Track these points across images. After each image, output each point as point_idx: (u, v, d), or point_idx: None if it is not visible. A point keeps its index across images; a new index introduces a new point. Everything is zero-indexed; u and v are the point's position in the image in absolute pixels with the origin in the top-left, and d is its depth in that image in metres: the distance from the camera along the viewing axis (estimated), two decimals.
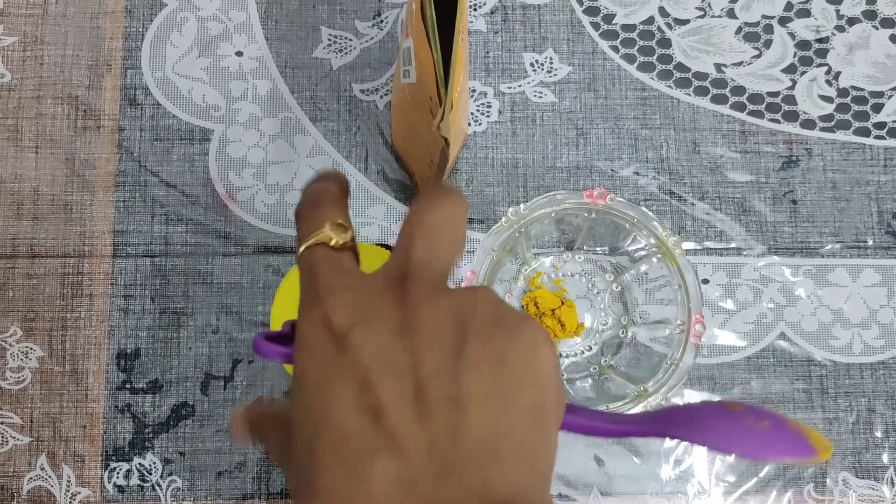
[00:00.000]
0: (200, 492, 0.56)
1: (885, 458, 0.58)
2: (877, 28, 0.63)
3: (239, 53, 0.61)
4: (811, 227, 0.60)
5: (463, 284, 0.52)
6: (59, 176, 0.59)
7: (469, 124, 0.60)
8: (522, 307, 0.58)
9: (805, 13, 0.63)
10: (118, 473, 0.56)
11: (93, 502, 0.56)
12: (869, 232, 0.60)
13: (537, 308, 0.57)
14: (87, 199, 0.59)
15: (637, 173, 0.61)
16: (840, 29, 0.63)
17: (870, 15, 0.63)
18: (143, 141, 0.60)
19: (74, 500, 0.56)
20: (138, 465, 0.56)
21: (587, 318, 0.58)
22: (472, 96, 0.61)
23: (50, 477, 0.56)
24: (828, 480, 0.58)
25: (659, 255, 0.54)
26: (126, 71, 0.61)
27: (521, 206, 0.53)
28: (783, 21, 0.63)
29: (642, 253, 0.55)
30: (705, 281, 0.60)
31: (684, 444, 0.57)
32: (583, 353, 0.58)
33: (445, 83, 0.39)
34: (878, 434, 0.58)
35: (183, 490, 0.56)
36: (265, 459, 0.56)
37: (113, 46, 0.61)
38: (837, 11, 0.63)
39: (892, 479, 0.58)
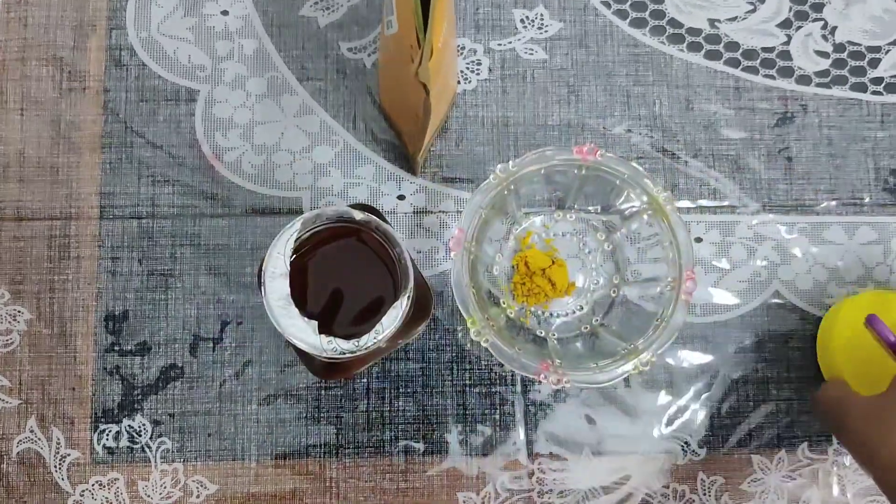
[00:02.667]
0: (190, 453, 0.56)
1: None
2: None
3: (225, 12, 0.60)
4: (806, 184, 0.60)
5: (451, 242, 0.51)
6: (45, 138, 0.59)
7: (458, 82, 0.60)
8: (513, 267, 0.58)
9: None
10: (108, 435, 0.56)
11: (82, 464, 0.56)
12: (865, 189, 0.59)
13: (528, 268, 0.57)
14: (74, 160, 0.58)
15: (629, 130, 0.60)
16: None
17: None
18: (128, 102, 0.59)
19: (64, 461, 0.56)
20: (128, 427, 0.56)
21: (578, 278, 0.58)
22: (461, 54, 0.60)
23: (39, 439, 0.56)
24: (822, 440, 0.57)
25: (650, 213, 0.53)
26: (111, 31, 0.60)
27: (510, 163, 0.52)
28: None
29: (634, 210, 0.55)
30: (698, 239, 0.59)
31: (676, 403, 0.57)
32: (574, 312, 0.58)
33: (424, 27, 0.38)
34: None
35: (173, 451, 0.56)
36: (255, 420, 0.56)
37: (97, 6, 0.60)
38: None
39: None
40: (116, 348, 0.57)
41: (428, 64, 0.39)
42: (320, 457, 0.56)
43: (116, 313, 0.57)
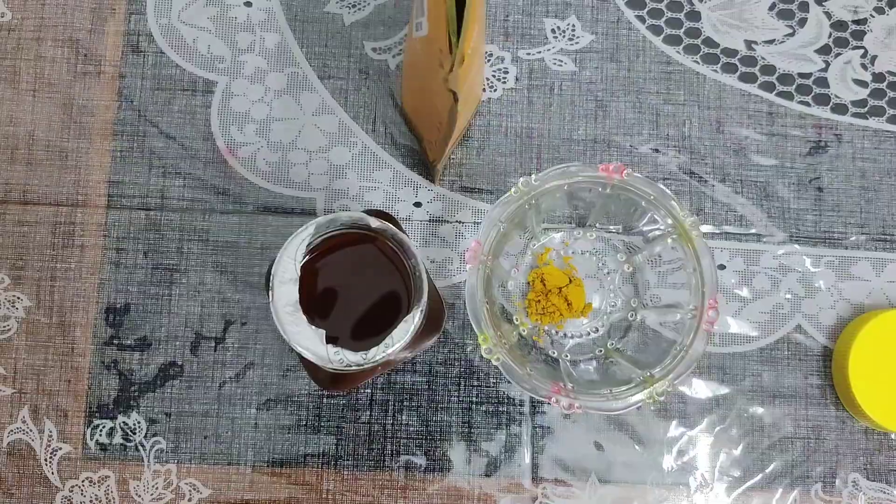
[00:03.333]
0: (184, 454, 0.54)
1: None
2: None
3: (248, 3, 0.58)
4: (836, 216, 0.58)
5: (466, 255, 0.49)
6: (56, 121, 0.57)
7: (483, 90, 0.58)
8: (528, 283, 0.56)
9: None
10: (101, 431, 0.54)
11: (73, 458, 0.54)
12: None
13: (544, 285, 0.55)
14: (84, 146, 0.57)
15: (657, 150, 0.58)
16: (879, 11, 0.60)
17: None
18: (143, 90, 0.57)
19: (55, 455, 0.54)
20: (122, 424, 0.54)
21: (595, 299, 0.56)
22: (488, 60, 0.58)
23: (31, 430, 0.54)
24: (837, 481, 0.55)
25: (675, 236, 0.51)
26: (130, 16, 0.58)
27: (533, 176, 0.50)
28: None
29: (657, 233, 0.53)
30: (721, 266, 0.57)
31: (689, 434, 0.55)
32: (589, 334, 0.56)
33: (457, 32, 0.36)
34: (893, 436, 0.55)
35: (167, 452, 0.54)
36: (253, 425, 0.54)
37: None
38: None
39: None
40: (116, 342, 0.55)
41: (459, 70, 0.37)
42: (318, 467, 0.54)
43: (118, 306, 0.55)
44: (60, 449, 0.54)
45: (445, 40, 0.37)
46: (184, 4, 0.58)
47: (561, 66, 0.59)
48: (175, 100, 0.57)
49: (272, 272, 0.42)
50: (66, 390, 0.55)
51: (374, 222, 0.43)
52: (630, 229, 0.56)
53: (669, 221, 0.51)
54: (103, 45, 0.58)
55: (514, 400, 0.55)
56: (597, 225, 0.56)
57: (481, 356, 0.55)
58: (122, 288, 0.56)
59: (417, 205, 0.57)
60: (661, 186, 0.50)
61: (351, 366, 0.41)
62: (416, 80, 0.50)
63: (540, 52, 0.59)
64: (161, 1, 0.58)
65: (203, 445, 0.54)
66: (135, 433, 0.54)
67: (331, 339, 0.42)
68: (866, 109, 0.59)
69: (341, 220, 0.43)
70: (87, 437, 0.54)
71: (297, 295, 0.42)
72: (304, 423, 0.55)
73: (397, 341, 0.42)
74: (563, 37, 0.59)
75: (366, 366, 0.41)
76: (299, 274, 0.42)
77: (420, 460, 0.55)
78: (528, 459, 0.55)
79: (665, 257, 0.55)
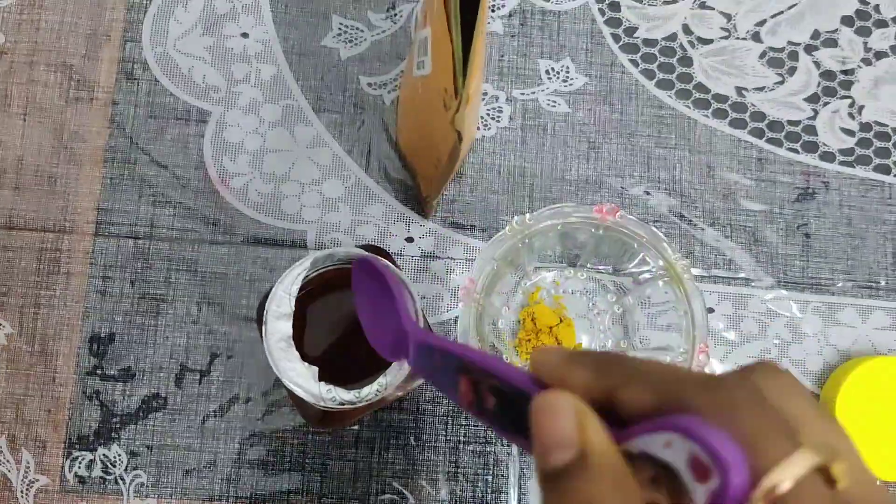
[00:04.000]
0: (165, 489, 0.53)
1: None
2: None
3: (245, 35, 0.58)
4: (823, 262, 0.58)
5: (460, 293, 0.49)
6: (46, 146, 0.56)
7: (478, 128, 0.58)
8: (519, 322, 0.56)
9: (832, 43, 0.61)
10: (80, 463, 0.53)
11: (50, 491, 0.53)
12: (882, 272, 0.58)
13: (534, 324, 0.55)
14: (73, 172, 0.56)
15: (648, 193, 0.58)
16: (867, 62, 0.61)
17: None
18: (136, 117, 0.57)
19: (31, 487, 0.53)
20: (102, 456, 0.53)
21: (584, 339, 0.56)
22: (483, 99, 0.59)
23: (8, 461, 0.53)
24: None
25: (666, 279, 0.52)
26: (125, 43, 0.58)
27: (527, 215, 0.50)
28: (809, 49, 0.61)
29: (648, 276, 0.53)
30: (710, 310, 0.57)
31: None
32: None
33: (464, 73, 0.36)
34: (879, 483, 0.55)
35: (147, 486, 0.53)
36: (236, 460, 0.53)
37: (114, 17, 0.58)
38: (865, 44, 0.61)
39: None
40: (98, 372, 0.54)
41: (465, 111, 0.37)
42: None
43: (102, 335, 0.54)
44: (38, 481, 0.53)
45: (451, 80, 0.37)
46: (180, 33, 0.58)
47: (555, 106, 0.59)
48: (168, 128, 0.57)
49: (266, 306, 0.41)
50: (45, 420, 0.53)
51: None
52: (620, 270, 0.56)
53: (661, 263, 0.51)
54: (97, 72, 0.57)
55: (502, 440, 0.55)
56: (588, 265, 0.57)
57: None
58: (107, 317, 0.55)
59: (409, 240, 0.57)
60: (653, 229, 0.51)
61: (343, 404, 0.41)
62: (414, 118, 0.51)
63: (534, 93, 0.59)
64: (157, 29, 0.58)
65: (184, 480, 0.53)
66: (115, 466, 0.53)
67: (323, 376, 0.41)
68: (853, 158, 0.60)
69: (338, 256, 0.42)
70: (66, 469, 0.53)
71: (291, 331, 0.41)
72: (289, 459, 0.54)
73: (391, 381, 0.41)
74: (558, 78, 0.59)
75: (359, 404, 0.41)
76: (293, 309, 0.41)
77: (405, 500, 0.54)
78: (514, 501, 0.54)
79: (655, 299, 0.55)
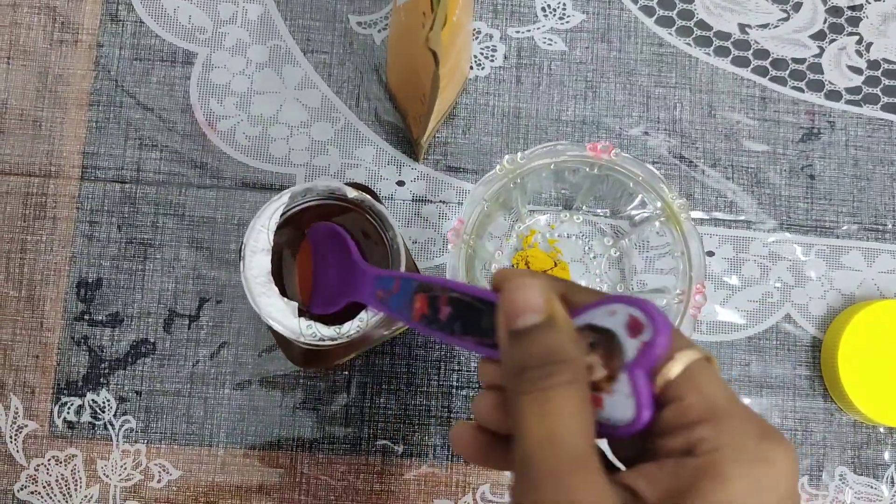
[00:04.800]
0: (154, 434, 0.53)
1: (886, 455, 0.54)
2: None
3: None
4: (828, 204, 0.56)
5: (449, 234, 0.48)
6: (30, 90, 0.55)
7: (470, 67, 0.56)
8: (513, 265, 0.55)
9: None
10: (69, 408, 0.53)
11: (39, 436, 0.52)
12: (889, 215, 0.56)
13: (528, 268, 0.54)
14: (58, 116, 0.55)
15: (647, 133, 0.57)
16: None
17: None
18: (121, 59, 0.56)
19: (20, 432, 0.52)
20: (91, 402, 0.53)
21: (581, 283, 0.55)
22: (475, 38, 0.57)
23: None
24: (823, 474, 0.54)
25: (663, 219, 0.50)
26: None
27: (519, 154, 0.49)
28: None
29: (645, 215, 0.51)
30: (710, 253, 0.56)
31: None
32: None
33: None
34: (882, 429, 0.54)
35: (136, 431, 0.53)
36: (226, 406, 0.53)
37: None
38: None
39: (892, 477, 0.54)
40: (86, 317, 0.53)
41: (440, 31, 0.36)
42: (292, 450, 0.53)
43: (89, 280, 0.54)
44: (26, 426, 0.53)
45: (428, 2, 0.35)
46: None
47: (551, 45, 0.57)
48: (153, 70, 0.56)
49: (244, 241, 0.40)
50: (33, 366, 0.53)
51: (351, 192, 0.41)
52: (617, 213, 0.54)
53: (658, 204, 0.50)
54: (81, 13, 0.56)
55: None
56: (584, 208, 0.55)
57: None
58: (94, 262, 0.54)
59: (401, 184, 0.55)
60: (650, 167, 0.49)
61: (324, 340, 0.40)
62: (400, 52, 0.49)
63: (529, 31, 0.57)
64: None
65: (174, 425, 0.53)
66: (104, 412, 0.53)
67: (304, 314, 0.40)
68: (860, 97, 0.57)
69: (317, 190, 0.41)
70: (55, 414, 0.53)
71: (269, 266, 0.40)
72: (279, 404, 0.53)
73: (371, 315, 0.40)
74: (554, 15, 0.58)
75: (339, 340, 0.40)
76: (272, 244, 0.40)
77: (397, 445, 0.53)
78: None
79: (652, 242, 0.54)
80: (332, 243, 0.42)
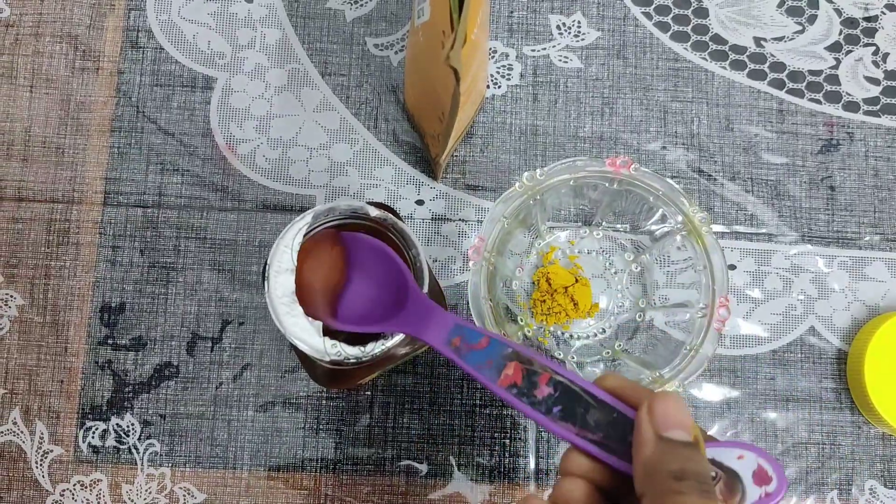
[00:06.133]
0: (179, 458, 0.53)
1: None
2: None
3: (249, 0, 0.58)
4: (849, 216, 0.56)
5: (469, 251, 0.48)
6: (53, 117, 0.56)
7: (487, 86, 0.57)
8: (534, 283, 0.55)
9: None
10: (94, 433, 0.53)
11: (65, 461, 0.53)
12: None
13: (549, 285, 0.54)
14: (81, 143, 0.56)
15: (665, 148, 0.57)
16: (891, 7, 0.58)
17: None
18: (142, 86, 0.57)
19: (46, 458, 0.53)
20: (115, 426, 0.53)
21: (602, 300, 0.55)
22: (492, 57, 0.57)
23: (22, 432, 0.53)
24: (853, 488, 0.53)
25: (684, 233, 0.50)
26: (130, 12, 0.57)
27: (538, 171, 0.49)
28: None
29: (665, 229, 0.51)
30: (732, 267, 0.55)
31: None
32: (595, 335, 0.54)
33: (459, 9, 0.35)
34: None
35: (161, 455, 0.53)
36: (250, 428, 0.53)
37: None
38: None
39: None
40: (110, 342, 0.54)
41: (461, 49, 0.36)
42: (316, 471, 0.53)
43: (113, 305, 0.54)
44: (52, 451, 0.53)
45: (447, 19, 0.36)
46: (184, 1, 0.57)
47: (567, 62, 0.58)
48: (174, 96, 0.56)
49: (268, 262, 0.40)
50: (58, 391, 0.53)
51: (374, 211, 0.41)
52: (637, 228, 0.54)
53: (679, 218, 0.50)
54: (102, 41, 0.57)
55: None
56: (603, 223, 0.55)
57: None
58: (117, 286, 0.54)
59: (420, 202, 0.56)
60: (670, 181, 0.49)
61: (349, 359, 0.40)
62: (418, 72, 0.49)
63: (545, 49, 0.58)
64: None
65: (198, 448, 0.53)
66: (128, 435, 0.53)
67: (329, 333, 0.40)
68: (878, 107, 0.57)
69: (340, 209, 0.41)
70: (80, 439, 0.53)
71: (294, 286, 0.40)
72: (303, 425, 0.53)
73: (396, 334, 0.40)
74: (569, 33, 0.58)
75: (364, 359, 0.40)
76: (296, 264, 0.41)
77: (421, 465, 0.53)
78: (532, 465, 0.53)
79: (673, 257, 0.54)
80: (378, 261, 0.41)
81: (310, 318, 0.40)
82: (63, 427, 0.53)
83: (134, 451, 0.53)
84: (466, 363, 0.35)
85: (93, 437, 0.53)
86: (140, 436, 0.53)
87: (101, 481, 0.52)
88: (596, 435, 0.32)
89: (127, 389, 0.53)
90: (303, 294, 0.40)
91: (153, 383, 0.53)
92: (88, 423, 0.53)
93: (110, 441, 0.53)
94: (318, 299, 0.41)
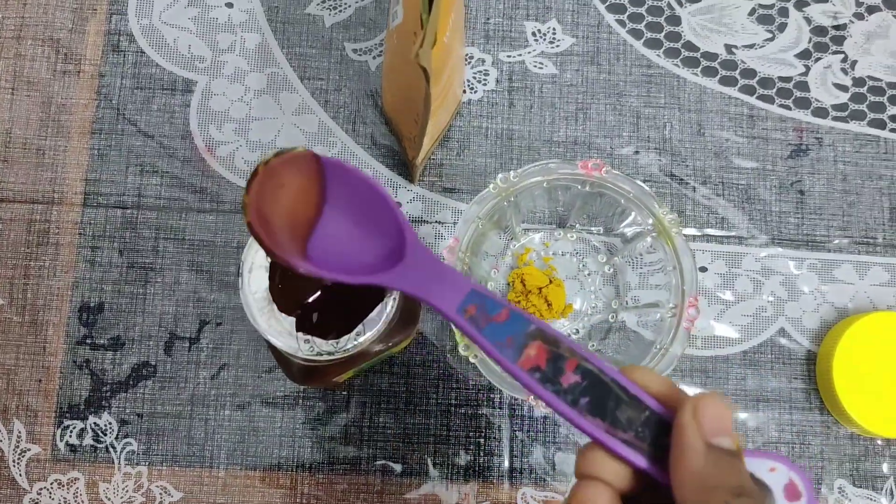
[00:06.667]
0: (156, 457, 0.53)
1: (885, 467, 0.54)
2: None
3: (229, 5, 0.58)
4: (818, 219, 0.57)
5: (444, 252, 0.49)
6: (34, 119, 0.57)
7: (464, 91, 0.58)
8: (509, 284, 0.55)
9: None
10: (71, 432, 0.53)
11: (42, 460, 0.53)
12: (879, 228, 0.57)
13: (524, 285, 0.54)
14: (61, 144, 0.56)
15: (637, 152, 0.58)
16: (859, 16, 0.60)
17: (890, 3, 0.60)
18: (123, 89, 0.57)
19: (23, 456, 0.53)
20: (93, 425, 0.53)
21: (576, 301, 0.55)
22: (468, 63, 0.58)
23: None
24: (823, 487, 0.54)
25: (654, 235, 0.51)
26: (111, 16, 0.58)
27: (511, 173, 0.50)
28: (799, 5, 0.60)
29: (637, 231, 0.52)
30: (703, 269, 0.56)
31: None
32: (569, 336, 0.55)
33: (429, 9, 0.36)
34: (879, 441, 0.54)
35: (138, 454, 0.53)
36: (227, 427, 0.53)
37: None
38: None
39: (891, 489, 0.54)
40: (88, 341, 0.54)
41: (430, 49, 0.37)
42: (292, 470, 0.53)
43: (91, 305, 0.55)
44: (29, 450, 0.53)
45: (418, 21, 0.37)
46: (165, 5, 0.58)
47: (542, 68, 0.59)
48: (154, 99, 0.57)
49: (243, 258, 0.41)
50: (36, 390, 0.54)
51: None
52: (610, 230, 0.55)
53: (650, 220, 0.51)
54: (84, 45, 0.58)
55: (493, 402, 0.54)
56: (577, 226, 0.56)
57: (459, 358, 0.54)
58: (96, 286, 0.55)
59: (397, 205, 0.56)
60: (641, 184, 0.50)
61: (322, 354, 0.40)
62: (394, 76, 0.50)
63: (520, 55, 0.59)
64: (142, 1, 0.58)
65: (175, 447, 0.53)
66: (106, 434, 0.53)
67: (303, 331, 0.41)
68: (847, 113, 0.59)
69: None
70: (57, 437, 0.53)
71: (268, 282, 0.41)
72: (279, 425, 0.54)
73: (369, 329, 0.41)
74: (544, 40, 0.59)
75: (337, 354, 0.41)
76: (270, 261, 0.41)
77: (397, 465, 0.53)
78: (507, 463, 0.54)
79: (645, 258, 0.54)
80: (365, 199, 0.33)
81: (283, 315, 0.41)
82: (40, 426, 0.53)
83: (111, 449, 0.53)
84: (484, 337, 0.30)
85: (70, 436, 0.53)
86: (117, 435, 0.53)
87: (79, 480, 0.53)
88: (627, 434, 0.28)
89: (105, 389, 0.54)
90: (268, 225, 0.31)
91: (131, 383, 0.54)
92: (66, 422, 0.53)
93: (88, 440, 0.53)
94: (283, 231, 0.32)
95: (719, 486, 0.27)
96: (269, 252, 0.31)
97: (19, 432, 0.53)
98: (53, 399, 0.54)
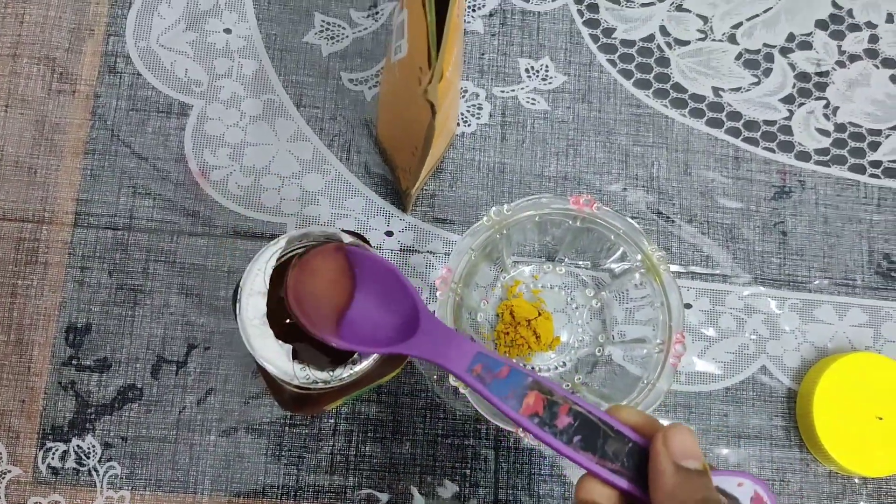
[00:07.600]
0: (139, 481, 0.53)
1: None
2: (878, 67, 0.62)
3: (227, 31, 0.59)
4: (800, 260, 0.59)
5: (437, 282, 0.49)
6: (27, 137, 0.57)
7: (458, 124, 0.59)
8: (498, 315, 0.56)
9: (807, 45, 0.62)
10: (54, 454, 0.53)
11: (23, 482, 0.52)
12: (858, 270, 0.59)
13: (513, 317, 0.55)
14: (54, 163, 0.56)
15: (625, 189, 0.59)
16: (841, 64, 0.62)
17: (871, 53, 0.62)
18: (118, 110, 0.57)
19: (4, 478, 0.52)
20: (76, 447, 0.53)
21: (564, 334, 0.56)
22: (463, 96, 0.59)
23: None
24: None
25: (643, 271, 0.52)
26: (109, 38, 0.58)
27: (505, 206, 0.51)
28: (784, 51, 0.62)
29: (625, 267, 0.53)
30: (688, 305, 0.57)
31: None
32: (556, 368, 0.56)
33: (438, 46, 0.37)
34: (857, 480, 0.55)
35: (121, 478, 0.53)
36: (212, 453, 0.53)
37: (98, 11, 0.59)
38: (839, 47, 0.62)
39: None
40: (74, 362, 0.54)
41: (438, 84, 0.38)
42: (277, 498, 0.53)
43: (79, 325, 0.54)
44: (10, 472, 0.52)
45: (425, 56, 0.37)
46: (164, 28, 0.59)
47: (534, 104, 0.60)
48: (149, 121, 0.57)
49: (241, 284, 0.41)
50: (19, 410, 0.53)
51: (347, 238, 0.42)
52: (598, 265, 0.56)
53: (638, 256, 0.52)
54: (80, 65, 0.58)
55: (479, 433, 0.54)
56: (566, 260, 0.57)
57: (447, 387, 0.55)
58: (84, 307, 0.54)
59: (389, 234, 0.57)
60: (631, 221, 0.51)
61: (317, 383, 0.41)
62: (392, 107, 0.51)
63: (514, 91, 0.60)
64: (141, 24, 0.59)
65: (159, 472, 0.53)
66: (89, 457, 0.53)
67: (297, 358, 0.41)
68: (829, 157, 0.60)
69: (313, 235, 0.43)
70: (39, 459, 0.52)
71: (265, 309, 0.41)
72: (265, 451, 0.53)
73: (364, 360, 0.41)
74: (537, 76, 0.60)
75: (332, 383, 0.41)
76: (268, 287, 0.41)
77: (383, 494, 0.53)
78: (493, 495, 0.54)
79: (632, 294, 0.55)
80: (383, 280, 0.41)
81: (280, 342, 0.41)
82: (22, 447, 0.53)
83: (94, 473, 0.52)
84: (491, 392, 0.36)
85: (52, 458, 0.52)
86: (101, 458, 0.53)
87: (60, 503, 0.52)
88: (614, 464, 0.34)
89: (89, 411, 0.53)
90: (305, 307, 0.40)
91: (116, 405, 0.53)
92: (48, 444, 0.53)
93: (70, 462, 0.53)
94: (323, 314, 0.40)
95: (688, 500, 0.32)
96: (307, 331, 0.39)
97: (0, 453, 0.52)
98: (37, 420, 0.53)
